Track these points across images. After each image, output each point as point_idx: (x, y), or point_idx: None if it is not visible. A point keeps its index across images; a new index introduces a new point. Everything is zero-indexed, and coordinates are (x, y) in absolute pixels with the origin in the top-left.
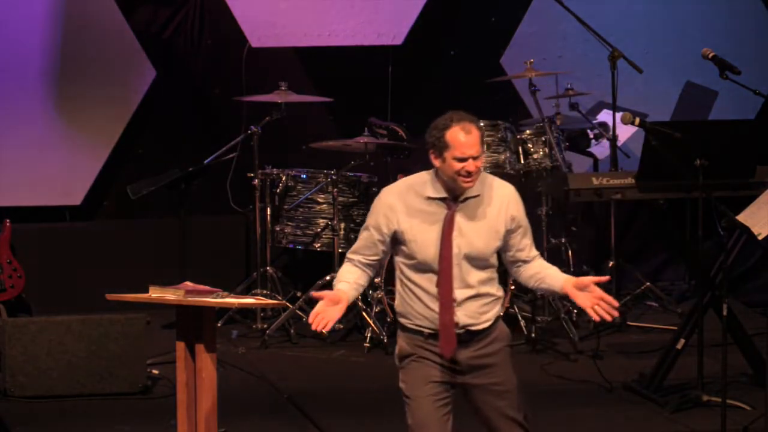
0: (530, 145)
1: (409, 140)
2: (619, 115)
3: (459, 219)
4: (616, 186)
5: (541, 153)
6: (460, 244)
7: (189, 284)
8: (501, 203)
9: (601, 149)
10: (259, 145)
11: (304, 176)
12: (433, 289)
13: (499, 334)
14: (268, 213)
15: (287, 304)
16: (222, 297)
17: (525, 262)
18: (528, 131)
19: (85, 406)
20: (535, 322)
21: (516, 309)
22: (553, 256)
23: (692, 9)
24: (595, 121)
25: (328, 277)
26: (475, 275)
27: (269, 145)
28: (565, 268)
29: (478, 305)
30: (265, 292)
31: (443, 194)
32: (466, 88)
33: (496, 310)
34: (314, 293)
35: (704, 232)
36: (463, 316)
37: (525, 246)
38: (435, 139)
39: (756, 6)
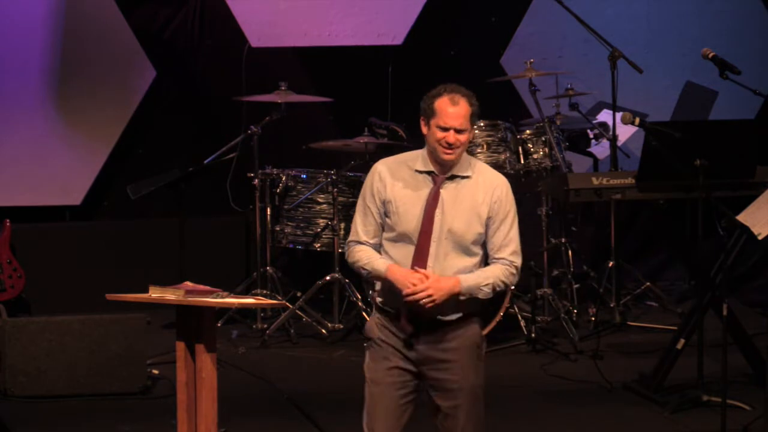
0: (530, 145)
1: (409, 140)
2: (619, 115)
3: (444, 196)
4: (616, 186)
5: (541, 153)
6: (441, 221)
7: (189, 284)
8: (489, 188)
9: (601, 149)
10: (259, 145)
11: (304, 176)
12: (408, 265)
13: (468, 334)
14: (268, 213)
15: (287, 304)
16: (222, 297)
17: (490, 260)
18: (528, 131)
19: (85, 406)
20: (535, 322)
21: (516, 309)
22: (553, 256)
23: (692, 9)
24: (595, 121)
25: (328, 277)
26: (454, 259)
27: (269, 145)
28: (565, 268)
29: None
30: (265, 292)
31: (431, 168)
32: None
33: (469, 307)
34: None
35: (704, 232)
36: None
37: (495, 243)
38: (426, 105)
39: (756, 6)
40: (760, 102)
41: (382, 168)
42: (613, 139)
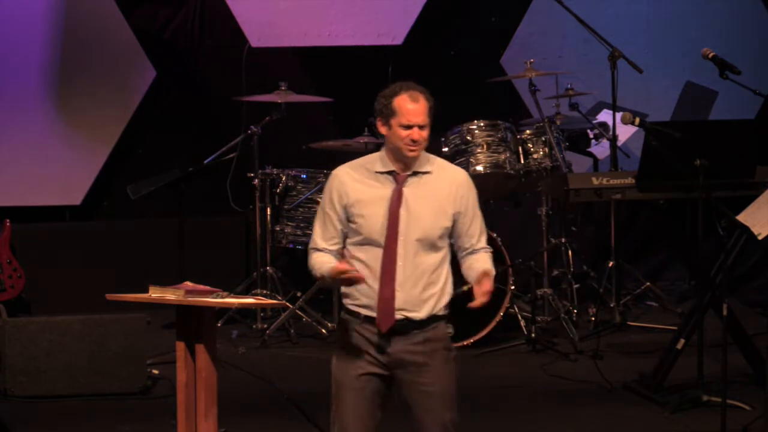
0: (530, 145)
1: None
2: (619, 115)
3: (407, 194)
4: (616, 186)
5: (541, 153)
6: (407, 220)
7: (189, 284)
8: (452, 183)
9: (601, 149)
10: (259, 145)
11: (304, 176)
12: (377, 266)
13: (438, 335)
14: (268, 213)
15: (287, 304)
16: (222, 297)
17: (468, 252)
18: (528, 131)
19: (85, 406)
20: (535, 322)
21: (516, 309)
22: (553, 256)
23: (692, 9)
24: (595, 121)
25: None
26: (423, 256)
27: (269, 145)
28: (565, 268)
29: (420, 292)
30: (265, 292)
31: (391, 167)
32: (466, 88)
33: (439, 304)
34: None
35: (704, 232)
36: (402, 300)
37: (472, 234)
38: (382, 106)
39: (756, 6)
40: (760, 102)
41: (341, 173)
42: (613, 139)
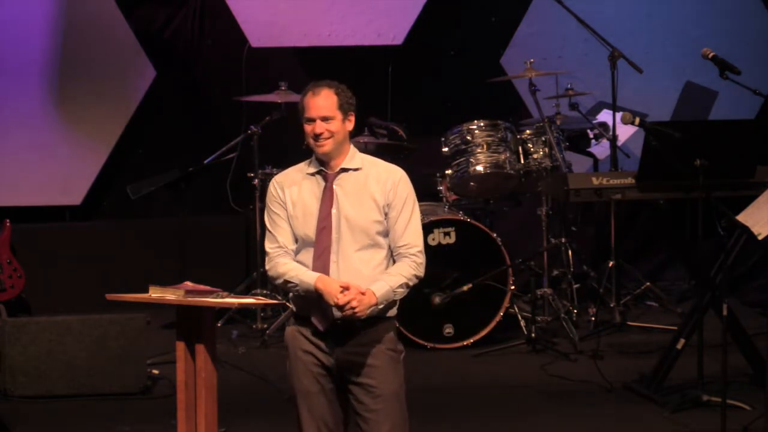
0: (530, 145)
1: (409, 140)
2: (619, 115)
3: (338, 190)
4: (616, 186)
5: (541, 153)
6: (338, 216)
7: (189, 284)
8: (383, 177)
9: (601, 149)
10: (259, 145)
11: None
12: (311, 264)
13: (383, 336)
14: None
15: (287, 303)
16: (222, 297)
17: (398, 248)
18: (528, 131)
19: (85, 406)
20: (535, 322)
21: (516, 309)
22: (553, 256)
23: (692, 9)
24: (595, 121)
25: None
26: (357, 254)
27: (269, 145)
28: (565, 268)
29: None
30: (265, 292)
31: (320, 167)
32: (466, 88)
33: (381, 306)
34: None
35: (704, 232)
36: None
37: (397, 231)
38: (299, 109)
39: (756, 6)
40: (760, 102)
41: (280, 178)
42: (613, 139)
